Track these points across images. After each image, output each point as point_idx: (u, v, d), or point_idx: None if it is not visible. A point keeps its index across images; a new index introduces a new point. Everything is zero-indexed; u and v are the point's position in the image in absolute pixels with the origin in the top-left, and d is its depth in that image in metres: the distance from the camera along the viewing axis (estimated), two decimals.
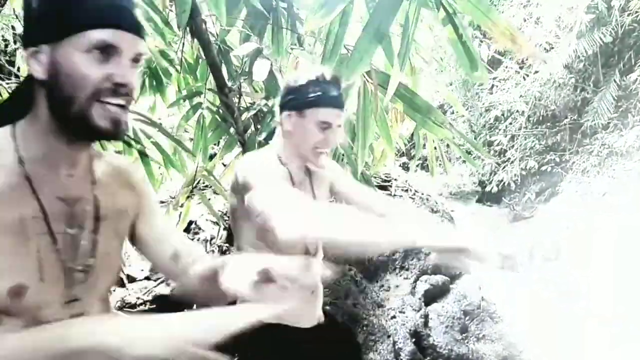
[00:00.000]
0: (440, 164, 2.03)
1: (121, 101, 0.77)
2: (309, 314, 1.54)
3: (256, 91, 2.25)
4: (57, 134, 0.78)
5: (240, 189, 1.37)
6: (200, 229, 2.89)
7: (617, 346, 4.64)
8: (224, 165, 3.63)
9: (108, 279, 0.90)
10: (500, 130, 9.70)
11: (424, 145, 2.08)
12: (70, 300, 0.81)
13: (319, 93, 1.38)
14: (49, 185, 0.78)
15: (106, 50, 0.74)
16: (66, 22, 0.73)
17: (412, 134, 2.20)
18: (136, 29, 0.77)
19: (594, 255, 6.07)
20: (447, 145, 2.36)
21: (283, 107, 1.45)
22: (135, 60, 0.78)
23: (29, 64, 0.75)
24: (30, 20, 0.77)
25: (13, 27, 6.15)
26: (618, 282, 5.49)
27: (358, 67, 1.30)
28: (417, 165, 10.44)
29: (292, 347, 1.43)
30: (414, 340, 3.25)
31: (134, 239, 0.99)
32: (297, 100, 1.40)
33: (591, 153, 8.46)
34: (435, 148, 2.04)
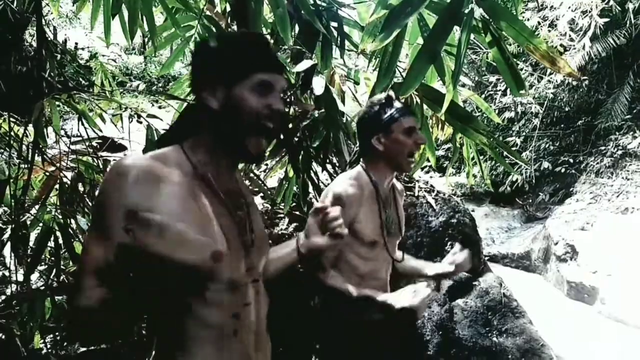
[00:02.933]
0: (476, 165, 2.20)
1: (275, 124, 1.04)
2: None
3: (301, 101, 2.45)
4: (220, 149, 1.05)
5: None
6: None
7: (626, 347, 4.75)
8: (258, 167, 3.81)
9: (266, 249, 1.16)
10: (514, 131, 9.81)
11: (460, 149, 2.25)
12: (249, 268, 1.06)
13: (394, 109, 1.64)
14: (218, 182, 1.05)
15: (265, 87, 1.03)
16: (242, 70, 1.02)
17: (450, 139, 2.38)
18: (282, 70, 1.07)
19: (607, 256, 6.15)
20: (461, 146, 2.52)
21: (368, 135, 1.68)
22: (282, 93, 1.06)
23: (206, 99, 1.03)
24: (208, 66, 1.04)
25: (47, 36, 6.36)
26: (630, 282, 5.58)
27: (414, 85, 1.48)
28: (429, 167, 10.60)
29: (367, 334, 1.64)
30: (440, 333, 3.42)
31: None
32: (381, 121, 1.65)
33: (605, 154, 8.55)
34: (470, 152, 2.21)
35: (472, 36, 1.54)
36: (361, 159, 1.77)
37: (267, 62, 1.04)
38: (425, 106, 1.99)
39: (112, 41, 2.49)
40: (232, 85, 1.01)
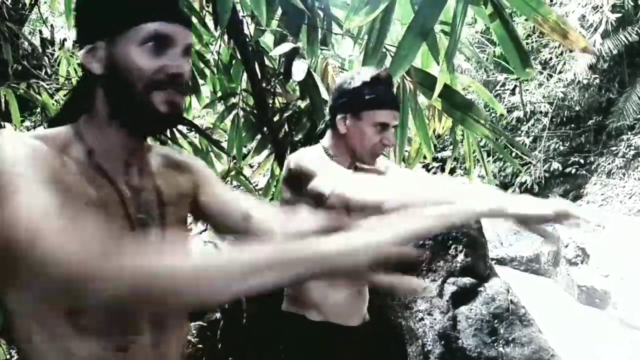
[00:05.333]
0: (479, 164, 2.01)
1: (177, 89, 0.78)
2: (356, 312, 1.54)
3: (288, 92, 2.26)
4: (116, 126, 0.80)
5: (296, 182, 1.36)
6: None
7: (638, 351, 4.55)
8: (250, 167, 3.63)
9: None
10: (522, 131, 9.58)
11: (461, 143, 2.05)
12: None
13: (374, 95, 1.36)
14: (118, 174, 0.80)
15: (159, 42, 0.76)
16: (122, 18, 0.75)
17: (449, 133, 2.18)
18: (185, 21, 0.80)
19: (619, 259, 5.97)
20: (461, 140, 2.32)
21: (336, 109, 1.42)
22: (186, 51, 0.80)
23: (86, 61, 0.78)
24: (84, 19, 0.79)
25: (40, 32, 6.25)
26: None
27: (403, 64, 1.29)
28: (437, 167, 10.40)
29: (340, 345, 1.44)
30: (442, 342, 3.21)
31: (199, 212, 0.98)
32: (353, 102, 1.38)
33: (616, 154, 8.34)
34: (472, 148, 2.01)
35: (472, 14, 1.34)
36: (326, 134, 1.51)
37: (161, 7, 0.76)
38: (421, 95, 1.79)
39: None
40: (113, 39, 0.75)
